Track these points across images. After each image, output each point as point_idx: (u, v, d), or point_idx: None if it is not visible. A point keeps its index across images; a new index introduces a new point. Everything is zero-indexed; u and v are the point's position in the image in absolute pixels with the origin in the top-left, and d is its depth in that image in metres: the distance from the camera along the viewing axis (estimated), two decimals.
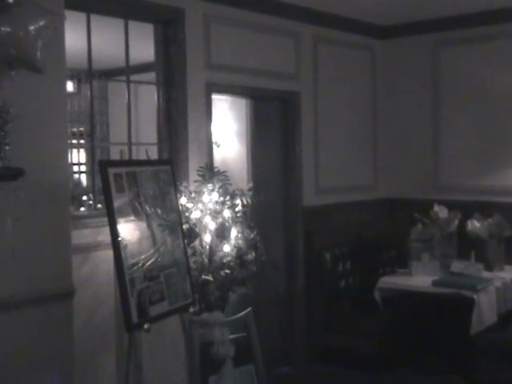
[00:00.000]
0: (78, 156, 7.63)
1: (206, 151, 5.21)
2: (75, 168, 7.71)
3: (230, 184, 4.74)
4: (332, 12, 6.23)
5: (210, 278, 4.52)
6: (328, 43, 6.46)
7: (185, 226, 4.46)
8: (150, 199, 4.09)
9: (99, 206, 4.71)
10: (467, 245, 5.85)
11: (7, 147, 3.25)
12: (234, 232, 4.63)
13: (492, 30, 6.31)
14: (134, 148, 5.05)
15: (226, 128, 6.73)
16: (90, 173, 5.29)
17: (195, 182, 4.73)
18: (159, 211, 4.13)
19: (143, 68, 5.68)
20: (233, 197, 4.70)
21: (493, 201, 6.26)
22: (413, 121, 6.92)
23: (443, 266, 5.73)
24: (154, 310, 3.91)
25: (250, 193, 4.83)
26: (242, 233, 4.68)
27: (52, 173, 3.67)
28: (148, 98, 5.48)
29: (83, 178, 7.83)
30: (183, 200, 4.61)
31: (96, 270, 4.43)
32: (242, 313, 4.46)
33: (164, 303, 4.00)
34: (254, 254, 4.71)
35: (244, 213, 4.74)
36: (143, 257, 3.90)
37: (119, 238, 3.77)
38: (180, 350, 4.61)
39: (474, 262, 5.65)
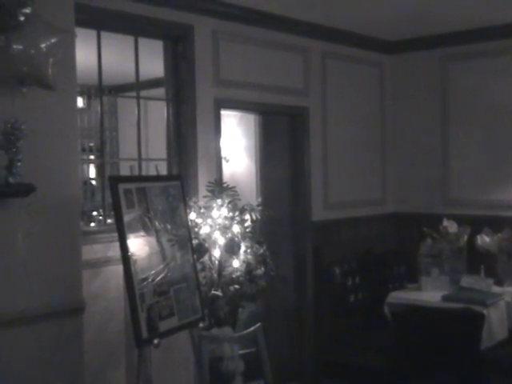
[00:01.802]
0: (88, 171, 7.66)
1: (215, 166, 5.23)
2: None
3: (239, 199, 4.75)
4: (340, 28, 6.26)
5: (219, 293, 4.52)
6: (336, 59, 6.48)
7: (194, 242, 4.47)
8: (160, 215, 4.10)
9: (109, 221, 4.73)
10: (477, 259, 5.83)
11: (19, 163, 3.28)
12: (243, 247, 4.64)
13: (500, 45, 6.32)
14: (143, 164, 5.07)
15: (235, 143, 6.75)
16: (100, 188, 5.32)
17: (204, 197, 4.75)
18: (169, 226, 4.14)
19: (153, 84, 5.73)
20: (242, 212, 4.71)
21: (502, 215, 6.24)
22: (421, 135, 6.92)
23: (453, 281, 5.71)
24: (164, 326, 3.91)
25: (259, 208, 4.84)
26: (251, 248, 4.68)
27: (63, 188, 3.69)
28: (157, 113, 5.51)
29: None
30: (192, 215, 4.62)
31: (106, 285, 4.44)
32: (252, 328, 4.45)
33: (173, 318, 4.00)
34: (263, 269, 4.70)
35: (253, 228, 4.74)
36: (153, 272, 3.91)
37: (129, 254, 3.78)
38: (189, 366, 4.61)
39: (483, 277, 5.62)
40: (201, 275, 4.49)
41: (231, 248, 4.59)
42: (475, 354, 5.16)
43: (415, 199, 6.97)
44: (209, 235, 4.59)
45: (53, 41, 3.30)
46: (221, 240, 4.59)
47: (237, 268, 4.60)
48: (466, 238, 5.92)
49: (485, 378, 5.30)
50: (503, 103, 6.36)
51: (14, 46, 3.18)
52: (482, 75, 6.47)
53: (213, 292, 4.52)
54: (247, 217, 4.73)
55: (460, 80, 6.63)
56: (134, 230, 3.88)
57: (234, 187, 4.76)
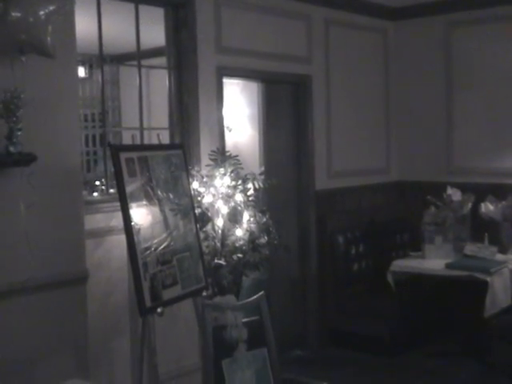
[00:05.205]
0: (90, 141, 7.63)
1: (217, 135, 5.20)
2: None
3: (242, 168, 4.73)
4: None
5: (222, 262, 4.52)
6: (340, 26, 6.41)
7: (197, 211, 4.46)
8: (162, 184, 4.09)
9: (112, 190, 4.72)
10: (480, 227, 5.82)
11: (19, 132, 3.26)
12: (246, 216, 4.63)
13: (504, 11, 6.24)
14: (145, 132, 5.05)
15: (238, 112, 6.71)
16: (102, 158, 5.30)
17: (207, 166, 4.73)
18: (171, 196, 4.13)
19: (154, 52, 5.67)
20: (245, 181, 4.69)
21: (506, 183, 6.22)
22: (425, 103, 6.88)
23: (456, 249, 5.71)
24: (167, 294, 3.92)
25: (262, 177, 4.82)
26: (254, 217, 4.67)
27: (64, 158, 3.68)
28: (159, 82, 5.47)
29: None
30: (195, 184, 4.61)
31: (109, 255, 4.44)
32: (255, 296, 4.46)
33: (177, 287, 4.01)
34: (266, 237, 4.70)
35: (256, 197, 4.73)
36: (156, 241, 3.91)
37: (132, 223, 3.78)
38: (193, 334, 4.63)
39: (487, 245, 5.63)
40: (204, 244, 4.49)
41: (234, 217, 4.58)
42: (478, 321, 5.18)
43: (419, 167, 6.94)
44: (212, 204, 4.58)
45: (51, 8, 3.26)
46: (224, 209, 4.58)
47: (240, 237, 4.59)
48: (469, 205, 5.90)
49: (487, 344, 5.33)
50: (507, 70, 6.30)
51: (13, 14, 3.14)
52: (487, 41, 6.40)
53: (216, 261, 4.52)
54: (250, 186, 4.72)
55: (464, 46, 6.56)
56: (137, 200, 3.87)
57: (237, 156, 4.74)
